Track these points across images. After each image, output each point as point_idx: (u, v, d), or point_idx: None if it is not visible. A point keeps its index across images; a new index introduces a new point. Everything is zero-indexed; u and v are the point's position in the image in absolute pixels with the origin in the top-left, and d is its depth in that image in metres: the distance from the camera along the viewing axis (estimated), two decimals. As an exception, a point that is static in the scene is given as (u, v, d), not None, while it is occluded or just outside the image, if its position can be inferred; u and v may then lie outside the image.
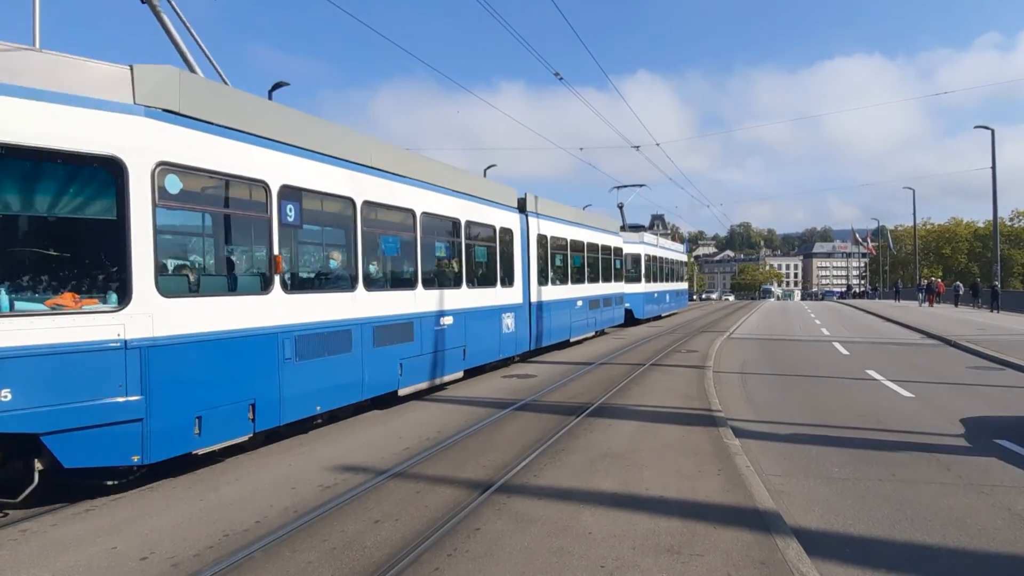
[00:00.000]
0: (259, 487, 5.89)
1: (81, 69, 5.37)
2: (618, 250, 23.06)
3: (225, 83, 7.60)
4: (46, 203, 5.47)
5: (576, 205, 21.10)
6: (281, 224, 7.00)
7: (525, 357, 15.00)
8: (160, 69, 5.81)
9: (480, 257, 12.32)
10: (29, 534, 4.84)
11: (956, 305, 38.39)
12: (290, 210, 7.16)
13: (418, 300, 9.76)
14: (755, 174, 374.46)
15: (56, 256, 5.42)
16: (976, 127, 32.98)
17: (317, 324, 7.49)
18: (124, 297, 5.42)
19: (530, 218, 14.83)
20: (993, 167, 31.29)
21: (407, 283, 9.75)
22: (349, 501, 5.41)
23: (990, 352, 15.49)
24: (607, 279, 21.37)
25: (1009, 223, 76.38)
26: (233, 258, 7.24)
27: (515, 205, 14.38)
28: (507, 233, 13.53)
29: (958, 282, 46.11)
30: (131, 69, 5.59)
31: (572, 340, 17.89)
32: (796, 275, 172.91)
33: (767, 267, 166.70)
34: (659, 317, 30.15)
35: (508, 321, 13.24)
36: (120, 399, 5.34)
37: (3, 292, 5.02)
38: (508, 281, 13.42)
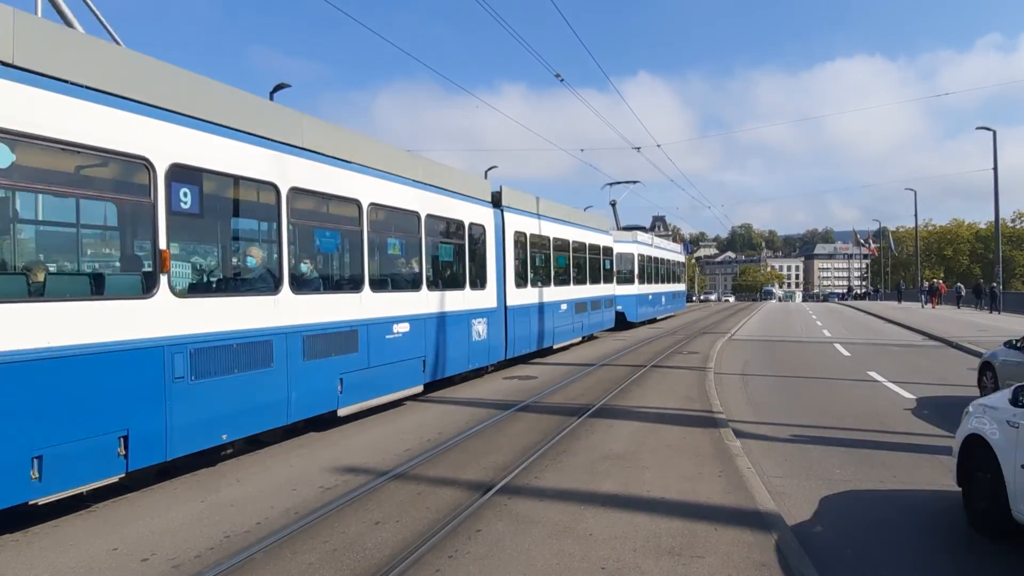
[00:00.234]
0: (260, 488, 5.89)
1: None
2: (608, 249, 21.99)
3: (117, 43, 6.42)
4: None
5: (577, 206, 20.86)
6: (171, 212, 5.76)
7: (501, 366, 13.76)
8: None
9: (445, 256, 11.19)
10: (31, 535, 4.85)
11: (958, 307, 38.44)
12: (185, 195, 5.87)
13: (365, 305, 8.47)
14: (756, 175, 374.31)
15: None
16: (978, 128, 32.76)
17: (224, 334, 6.26)
18: None
19: (506, 213, 13.56)
20: (995, 168, 31.21)
21: (351, 285, 8.58)
22: (350, 502, 5.42)
23: (992, 353, 15.45)
24: (595, 280, 20.21)
25: (1011, 224, 76.23)
26: (104, 252, 6.19)
27: (488, 199, 13.05)
28: (478, 229, 12.25)
29: (959, 283, 46.10)
30: None
31: (555, 347, 16.55)
32: (797, 276, 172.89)
33: (768, 268, 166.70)
34: (654, 320, 29.37)
35: (479, 327, 12.02)
36: None
37: None
38: (479, 283, 12.22)
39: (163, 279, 5.68)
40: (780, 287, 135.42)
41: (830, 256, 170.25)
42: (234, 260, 7.78)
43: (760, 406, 10.04)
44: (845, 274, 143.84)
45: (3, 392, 4.47)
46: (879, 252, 75.76)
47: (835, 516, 5.34)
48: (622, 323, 23.99)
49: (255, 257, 7.22)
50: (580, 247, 18.75)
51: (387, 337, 8.97)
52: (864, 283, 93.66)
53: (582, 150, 66.27)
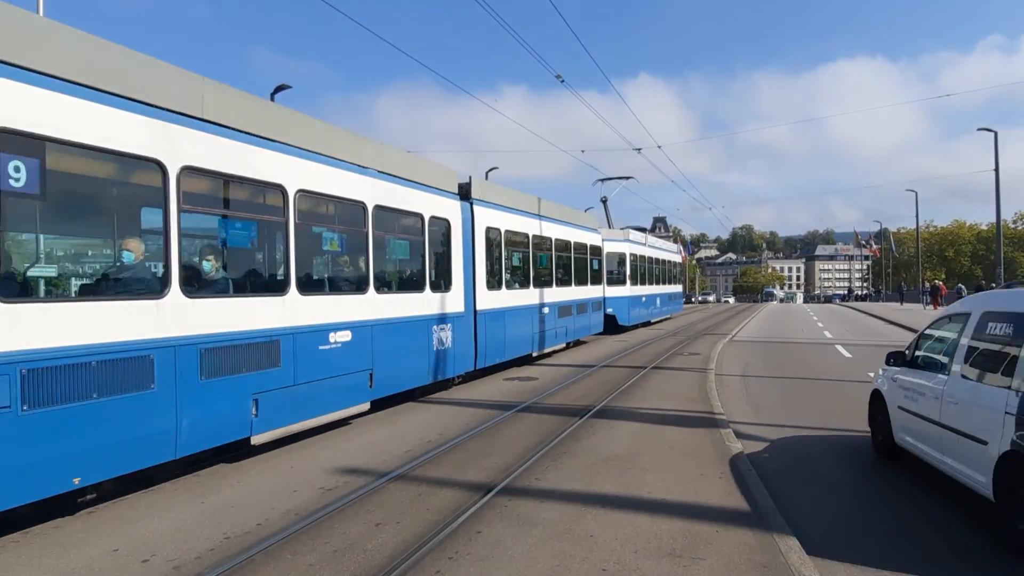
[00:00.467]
0: (260, 489, 5.89)
1: None
2: (597, 249, 20.68)
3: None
4: None
5: (577, 207, 20.57)
6: None
7: (469, 377, 12.41)
8: None
9: (399, 254, 9.95)
10: (31, 536, 4.85)
11: (959, 307, 38.35)
12: (17, 170, 4.63)
13: (291, 310, 7.18)
14: (757, 176, 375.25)
15: None
16: (979, 129, 32.62)
17: (76, 349, 4.88)
18: None
19: (476, 207, 12.23)
20: (996, 169, 31.17)
21: (272, 287, 7.43)
22: (350, 504, 5.41)
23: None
24: (582, 282, 18.94)
25: (1012, 225, 76.23)
26: None
27: (455, 190, 11.54)
28: (441, 224, 10.86)
29: (960, 284, 46.07)
30: None
31: (535, 355, 15.33)
32: (798, 278, 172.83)
33: (769, 270, 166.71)
34: (648, 323, 28.17)
35: (443, 335, 10.66)
36: None
37: None
38: (443, 285, 10.83)
39: None
40: (781, 288, 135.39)
41: (831, 257, 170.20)
42: (102, 255, 6.43)
43: (761, 407, 10.03)
44: (846, 275, 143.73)
45: None
46: (880, 253, 75.73)
47: (837, 519, 5.33)
48: (613, 327, 22.85)
49: (133, 252, 5.83)
50: (564, 246, 17.46)
51: (321, 348, 7.65)
52: (865, 284, 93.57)
53: (583, 151, 66.59)
